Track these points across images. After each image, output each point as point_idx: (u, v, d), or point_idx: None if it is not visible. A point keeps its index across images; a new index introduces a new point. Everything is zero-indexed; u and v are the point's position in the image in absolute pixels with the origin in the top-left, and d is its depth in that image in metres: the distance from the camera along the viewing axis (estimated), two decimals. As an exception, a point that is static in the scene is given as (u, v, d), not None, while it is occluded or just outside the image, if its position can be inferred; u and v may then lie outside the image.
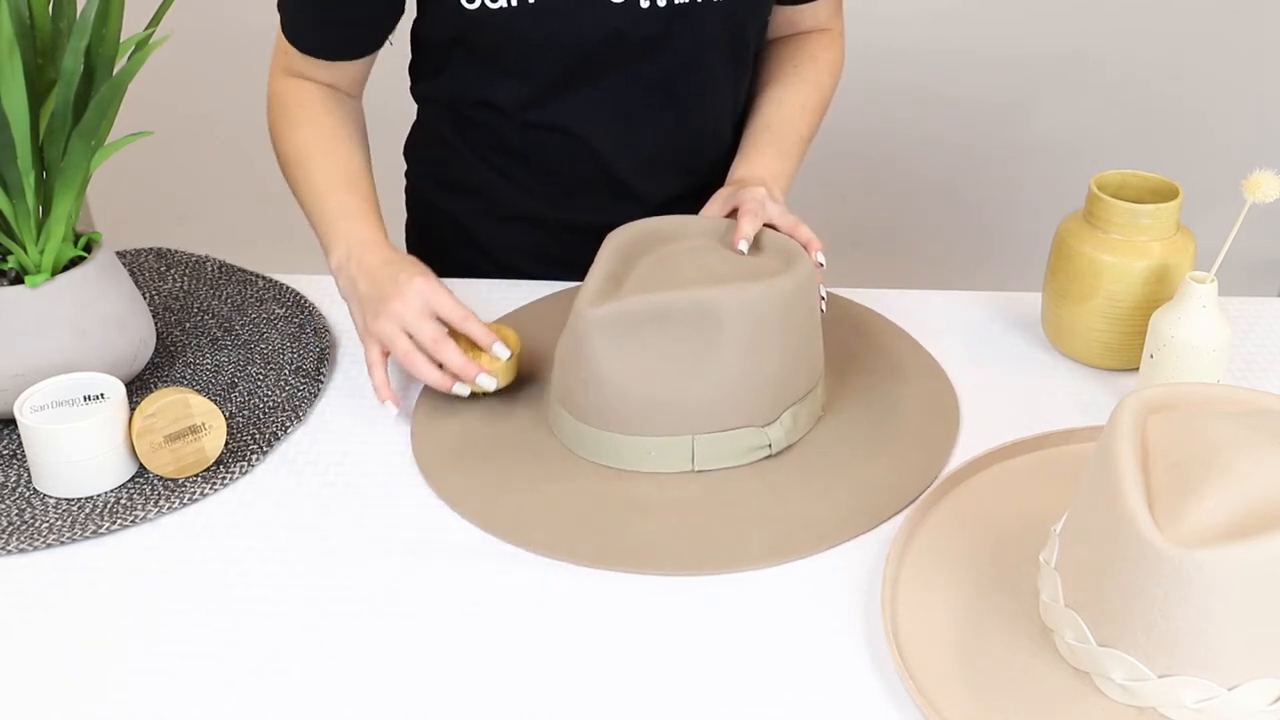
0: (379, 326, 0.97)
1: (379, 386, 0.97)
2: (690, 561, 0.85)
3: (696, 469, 0.92)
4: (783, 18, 1.20)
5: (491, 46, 1.08)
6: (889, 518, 0.89)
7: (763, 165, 1.12)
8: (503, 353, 0.97)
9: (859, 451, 0.95)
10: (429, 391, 1.02)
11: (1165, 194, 1.04)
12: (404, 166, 1.33)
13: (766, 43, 1.22)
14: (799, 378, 0.95)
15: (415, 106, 1.26)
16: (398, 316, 0.96)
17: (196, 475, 0.93)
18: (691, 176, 1.19)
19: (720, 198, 1.07)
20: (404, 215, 1.34)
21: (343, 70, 1.13)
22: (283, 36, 1.12)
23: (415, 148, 1.30)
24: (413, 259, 1.01)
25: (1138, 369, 1.03)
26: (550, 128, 1.13)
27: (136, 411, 0.91)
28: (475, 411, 0.99)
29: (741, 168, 1.13)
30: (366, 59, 1.14)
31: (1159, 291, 1.01)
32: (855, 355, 1.06)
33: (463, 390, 0.96)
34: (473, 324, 0.96)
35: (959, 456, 0.95)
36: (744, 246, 0.97)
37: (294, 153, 1.10)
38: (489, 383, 0.96)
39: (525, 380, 1.03)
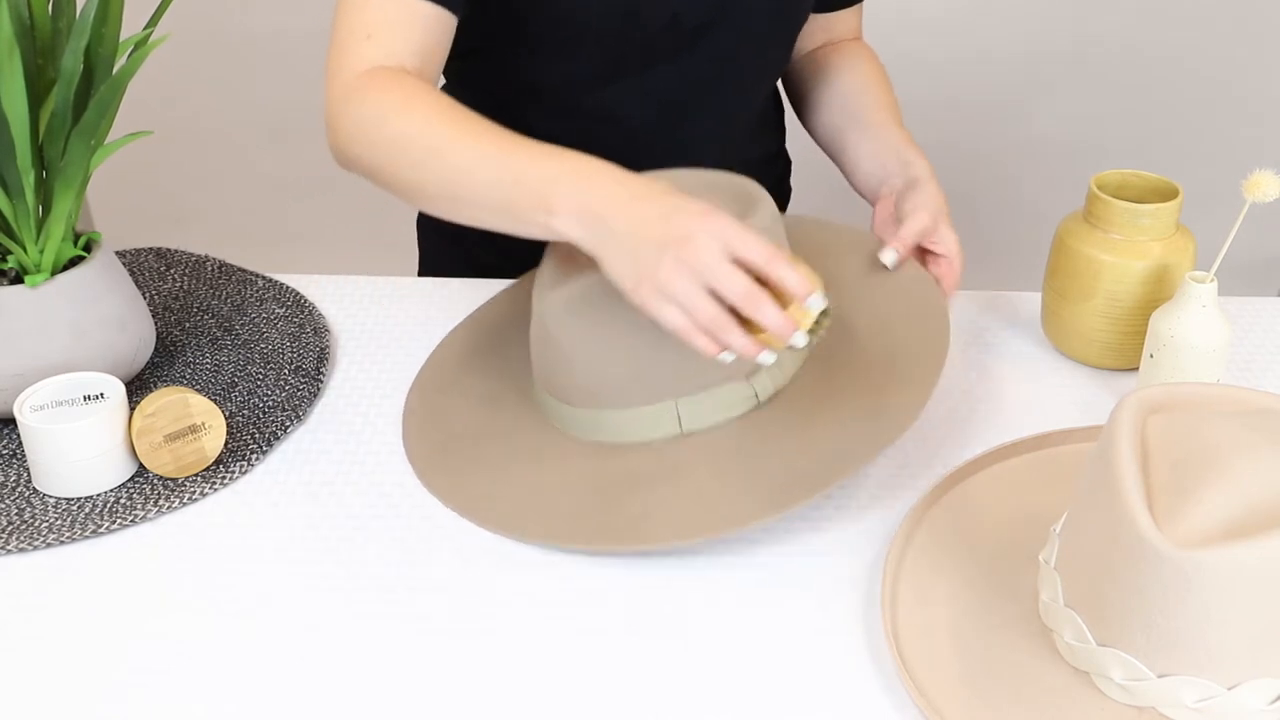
0: (669, 280, 0.77)
1: (747, 347, 0.78)
2: (684, 530, 0.83)
3: (685, 431, 0.90)
4: (817, 24, 1.20)
5: (546, 27, 1.03)
6: (874, 457, 0.85)
7: (916, 151, 1.07)
8: (818, 303, 0.79)
9: (848, 391, 0.91)
10: (418, 385, 1.02)
11: (1165, 194, 1.04)
12: None
13: (801, 56, 1.22)
14: None
15: None
16: (694, 266, 0.77)
17: (196, 475, 0.93)
18: (721, 166, 1.18)
19: (906, 202, 1.02)
20: (414, 215, 1.33)
21: (429, 39, 0.95)
22: (351, 26, 0.94)
23: None
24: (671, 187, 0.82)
25: (1138, 369, 1.03)
26: (594, 114, 1.10)
27: (136, 411, 0.91)
28: (468, 400, 0.99)
29: (907, 152, 1.06)
30: (446, 31, 0.97)
31: (1159, 291, 1.01)
32: (839, 281, 1.01)
33: (768, 359, 0.79)
34: (783, 266, 0.78)
35: (959, 457, 0.95)
36: (890, 259, 0.93)
37: (419, 124, 0.88)
38: (802, 340, 0.78)
39: (519, 366, 1.02)
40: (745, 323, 0.80)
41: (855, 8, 1.22)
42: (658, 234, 0.78)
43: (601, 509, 0.87)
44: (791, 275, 0.78)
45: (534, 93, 1.10)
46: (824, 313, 0.81)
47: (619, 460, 0.91)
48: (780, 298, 0.79)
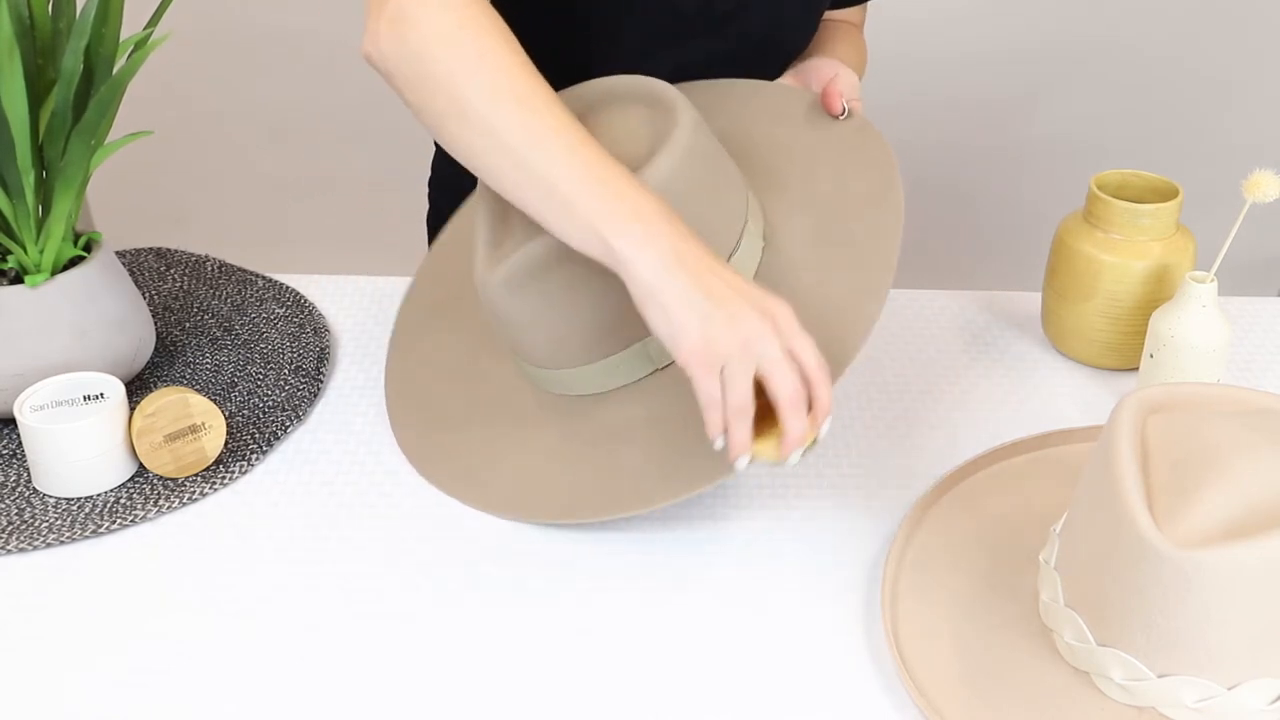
0: (731, 353, 0.75)
1: (743, 445, 0.76)
2: (680, 485, 0.82)
3: (660, 366, 0.88)
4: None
5: (583, 6, 1.03)
6: (849, 365, 0.83)
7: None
8: (825, 430, 0.79)
9: (809, 276, 0.87)
10: (393, 355, 1.02)
11: (1165, 194, 1.04)
12: (431, 152, 1.30)
13: None
14: (723, 229, 0.87)
15: None
16: (758, 350, 0.75)
17: (196, 475, 0.93)
18: None
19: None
20: (418, 215, 1.33)
21: None
22: None
23: None
24: None
25: (1138, 369, 1.03)
26: None
27: (136, 411, 0.91)
28: (444, 369, 0.99)
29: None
30: None
31: (1159, 291, 1.01)
32: (790, 149, 0.97)
33: (742, 464, 0.78)
34: (827, 384, 0.77)
35: (959, 457, 0.95)
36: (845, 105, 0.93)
37: (498, 67, 0.81)
38: (796, 459, 0.78)
39: (482, 320, 1.01)
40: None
41: (860, 7, 1.23)
42: (733, 307, 0.76)
43: (590, 479, 0.86)
44: (828, 396, 0.77)
45: (560, 76, 1.09)
46: (813, 440, 0.80)
47: (602, 414, 0.89)
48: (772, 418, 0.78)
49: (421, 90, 0.83)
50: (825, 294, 0.87)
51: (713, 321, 0.75)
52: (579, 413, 0.91)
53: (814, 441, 0.78)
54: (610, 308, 0.86)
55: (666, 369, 0.89)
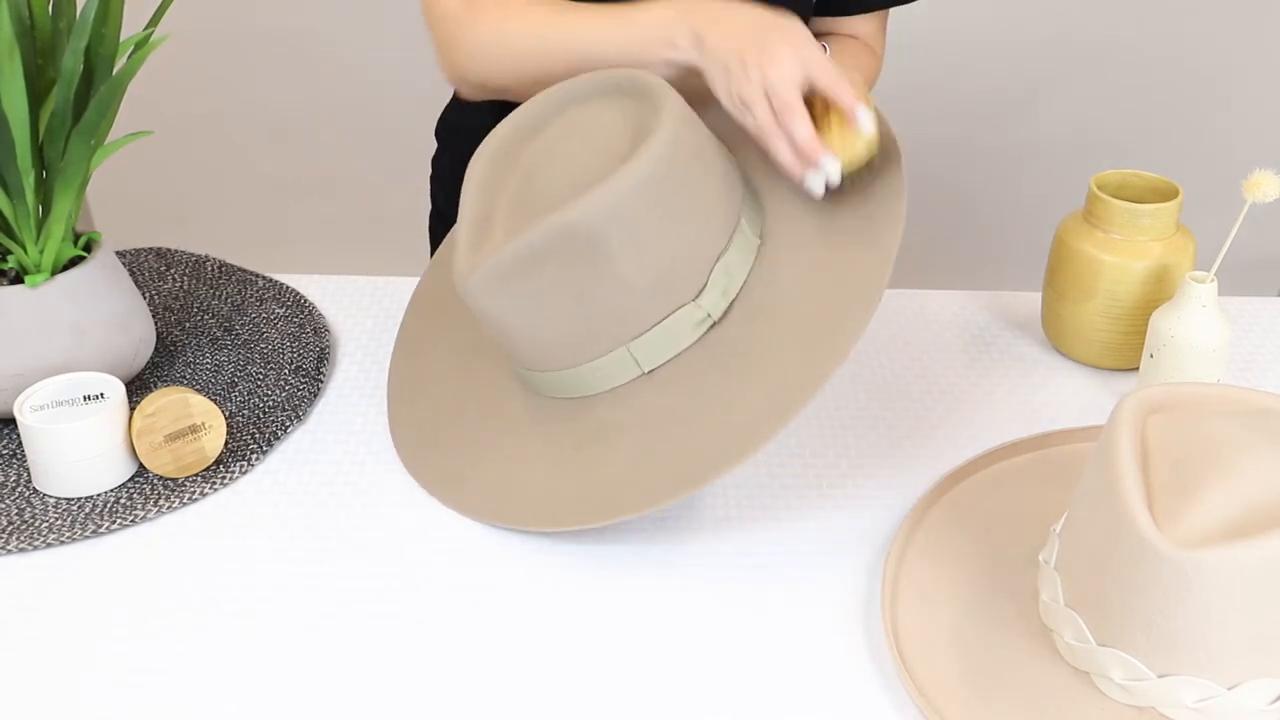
0: (747, 91, 0.86)
1: (810, 145, 0.86)
2: (659, 491, 0.82)
3: (646, 371, 0.87)
4: (824, 27, 1.19)
5: None
6: (821, 386, 0.82)
7: None
8: (868, 126, 0.86)
9: (807, 285, 0.87)
10: (398, 353, 1.02)
11: (1165, 194, 1.04)
12: (433, 149, 1.29)
13: None
14: (715, 227, 0.86)
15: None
16: (765, 79, 0.86)
17: (196, 475, 0.93)
18: None
19: None
20: (428, 206, 1.33)
21: None
22: None
23: (450, 125, 1.25)
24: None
25: (1138, 369, 1.03)
26: None
27: (136, 411, 0.91)
28: (446, 373, 0.99)
29: None
30: None
31: (1159, 291, 1.01)
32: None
33: (831, 168, 0.86)
34: (845, 88, 0.86)
35: (959, 457, 0.95)
36: (866, 121, 0.92)
37: (540, 23, 0.99)
38: (834, 167, 0.86)
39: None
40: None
41: (868, 15, 1.19)
42: (747, 50, 0.87)
43: (575, 483, 0.86)
44: (844, 91, 0.86)
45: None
46: (868, 162, 0.88)
47: (587, 419, 0.89)
48: (842, 130, 0.87)
49: (513, 69, 0.99)
50: (814, 307, 0.86)
51: (732, 73, 0.87)
52: (565, 417, 0.90)
53: (870, 163, 0.88)
54: (591, 311, 0.85)
55: (653, 374, 0.88)
